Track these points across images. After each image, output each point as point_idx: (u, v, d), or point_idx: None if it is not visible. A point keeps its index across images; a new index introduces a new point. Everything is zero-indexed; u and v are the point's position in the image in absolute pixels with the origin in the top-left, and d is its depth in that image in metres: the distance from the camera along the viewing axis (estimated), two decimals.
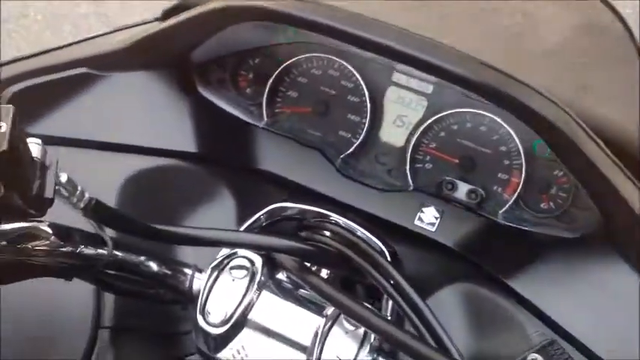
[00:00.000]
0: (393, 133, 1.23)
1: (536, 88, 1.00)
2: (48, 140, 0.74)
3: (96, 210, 0.77)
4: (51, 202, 0.73)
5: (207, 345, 0.96)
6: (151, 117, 1.18)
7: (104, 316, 1.00)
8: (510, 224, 1.13)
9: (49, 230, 0.81)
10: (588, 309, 1.03)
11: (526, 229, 1.13)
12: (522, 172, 1.16)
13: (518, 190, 1.16)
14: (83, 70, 1.17)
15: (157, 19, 1.26)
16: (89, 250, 0.85)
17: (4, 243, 0.76)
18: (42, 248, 0.79)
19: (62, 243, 0.82)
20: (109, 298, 1.01)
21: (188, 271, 0.97)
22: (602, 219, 1.06)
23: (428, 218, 1.11)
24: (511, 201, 1.16)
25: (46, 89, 1.16)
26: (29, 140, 0.71)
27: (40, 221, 0.79)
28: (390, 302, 1.00)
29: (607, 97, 1.24)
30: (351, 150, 1.22)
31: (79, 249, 0.83)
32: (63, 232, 0.82)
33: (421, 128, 1.20)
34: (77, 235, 0.84)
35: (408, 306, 0.94)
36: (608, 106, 1.19)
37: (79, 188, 0.75)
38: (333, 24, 1.01)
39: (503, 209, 1.17)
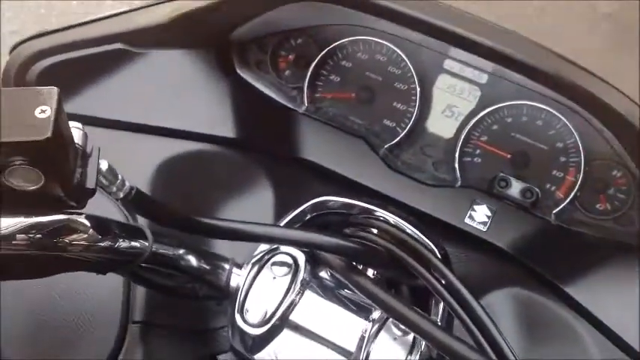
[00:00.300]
0: (442, 123, 1.16)
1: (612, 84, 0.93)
2: (79, 120, 0.69)
3: (136, 200, 0.71)
4: (92, 192, 0.67)
5: (244, 345, 0.90)
6: (187, 98, 1.11)
7: (134, 310, 0.94)
8: (565, 225, 1.07)
9: (87, 223, 0.74)
10: None
11: (582, 231, 1.07)
12: (581, 169, 1.09)
13: (576, 189, 1.09)
14: (118, 45, 1.11)
15: None
16: (128, 244, 0.78)
17: (39, 236, 0.70)
18: (80, 242, 0.73)
19: (100, 237, 0.75)
20: (139, 291, 0.95)
21: (226, 265, 0.91)
22: None
23: (479, 217, 1.05)
24: (567, 201, 1.10)
25: (77, 65, 1.10)
26: (71, 124, 0.65)
27: (79, 213, 0.73)
28: (441, 306, 0.93)
29: None
30: (396, 140, 1.16)
31: (117, 243, 0.77)
32: (101, 225, 0.76)
33: (473, 120, 1.13)
34: (116, 228, 0.78)
35: (463, 310, 0.87)
36: None
37: (120, 177, 0.69)
38: (393, 6, 0.94)
39: (557, 209, 1.10)
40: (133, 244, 0.80)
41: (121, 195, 0.70)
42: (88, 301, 0.94)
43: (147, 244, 0.80)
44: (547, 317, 1.00)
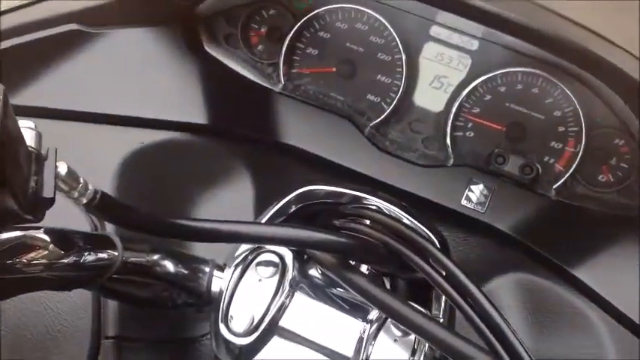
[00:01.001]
0: (431, 96, 1.08)
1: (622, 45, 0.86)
2: (31, 113, 0.59)
3: (101, 205, 0.62)
4: (51, 202, 0.58)
5: (230, 356, 0.81)
6: (151, 82, 1.01)
7: (106, 324, 0.86)
8: (567, 201, 1.00)
9: (47, 238, 0.66)
10: None
11: (585, 206, 1.00)
12: (582, 139, 1.02)
13: (577, 161, 1.02)
14: (72, 26, 1.00)
15: None
16: (95, 257, 0.70)
17: None
18: (40, 261, 0.65)
19: (63, 252, 0.67)
20: (111, 303, 0.87)
21: (206, 268, 0.82)
22: None
23: (476, 197, 0.97)
24: (568, 174, 1.03)
25: (26, 51, 0.99)
26: (22, 124, 0.55)
27: (36, 227, 0.64)
28: (442, 300, 0.86)
29: None
30: (382, 117, 1.07)
31: (83, 257, 0.69)
32: (63, 239, 0.68)
33: (464, 91, 1.05)
34: (80, 240, 0.69)
35: (466, 303, 0.79)
36: None
37: (82, 180, 0.61)
38: None
39: (558, 184, 1.03)
40: (101, 255, 0.71)
41: (85, 201, 0.61)
42: (58, 318, 0.85)
43: (116, 253, 0.72)
44: (554, 302, 0.94)
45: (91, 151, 0.93)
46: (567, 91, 1.02)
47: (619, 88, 0.95)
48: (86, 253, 0.69)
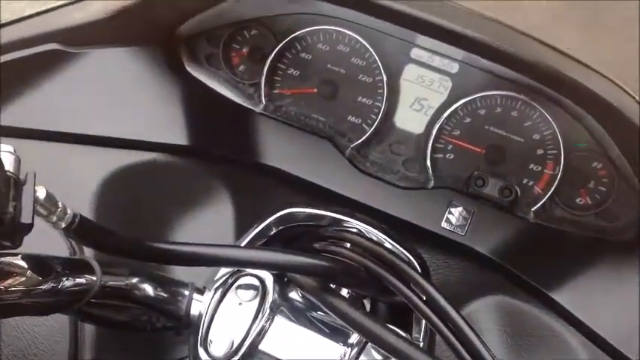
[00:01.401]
0: (411, 118, 1.08)
1: (596, 68, 0.87)
2: (10, 133, 0.58)
3: (80, 229, 0.62)
4: (29, 227, 0.58)
5: None
6: (132, 103, 1.00)
7: (83, 348, 0.85)
8: (545, 224, 1.01)
9: (25, 264, 0.65)
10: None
11: (564, 229, 1.01)
12: (560, 162, 1.03)
13: (555, 184, 1.03)
14: (52, 45, 0.99)
15: None
16: (73, 282, 0.69)
17: None
18: (17, 288, 0.64)
19: (41, 278, 0.66)
20: (88, 327, 0.85)
21: (185, 291, 0.81)
22: None
23: (456, 219, 0.97)
24: (546, 196, 1.03)
25: (7, 70, 0.97)
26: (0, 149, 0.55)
27: (14, 253, 0.63)
28: (423, 323, 0.86)
29: None
30: (363, 138, 1.07)
31: (61, 283, 0.67)
32: (41, 265, 0.67)
33: (445, 114, 1.06)
34: (58, 266, 0.68)
35: (446, 326, 0.79)
36: None
37: (60, 205, 0.60)
38: None
39: (537, 206, 1.03)
40: (79, 280, 0.70)
41: (63, 225, 0.61)
42: (34, 342, 0.84)
43: (94, 278, 0.71)
44: (533, 326, 0.94)
45: (70, 172, 0.92)
46: (546, 114, 1.03)
47: (597, 113, 0.96)
48: (64, 279, 0.68)
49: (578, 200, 1.04)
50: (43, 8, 0.99)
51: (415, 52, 1.07)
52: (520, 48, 0.93)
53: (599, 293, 0.94)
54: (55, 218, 0.60)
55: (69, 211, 0.61)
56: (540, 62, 0.92)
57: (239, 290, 0.81)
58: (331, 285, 0.83)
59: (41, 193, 0.59)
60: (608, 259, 0.96)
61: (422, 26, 0.95)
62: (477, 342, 0.75)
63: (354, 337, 0.82)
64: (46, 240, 0.69)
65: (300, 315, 0.84)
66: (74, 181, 0.91)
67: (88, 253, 0.86)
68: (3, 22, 0.97)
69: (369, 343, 0.80)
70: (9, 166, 0.57)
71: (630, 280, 0.94)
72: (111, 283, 0.75)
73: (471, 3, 0.97)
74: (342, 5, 1.00)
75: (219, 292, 0.81)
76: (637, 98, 0.92)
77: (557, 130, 1.03)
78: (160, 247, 0.70)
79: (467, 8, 0.96)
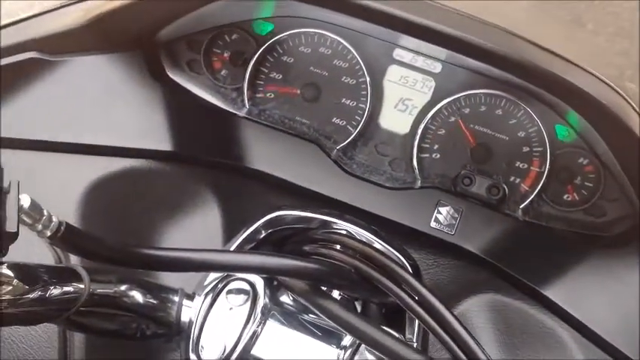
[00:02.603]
0: (396, 118, 1.08)
1: (581, 64, 0.87)
2: None
3: (66, 237, 0.61)
4: (15, 236, 0.57)
5: None
6: (114, 109, 0.99)
7: (73, 357, 0.83)
8: (534, 221, 1.01)
9: (11, 273, 0.63)
10: (630, 317, 0.91)
11: (552, 226, 1.01)
12: (546, 159, 1.03)
13: (542, 181, 1.03)
14: (32, 54, 0.97)
15: None
16: (61, 290, 0.67)
17: None
18: (4, 297, 0.63)
19: (27, 287, 0.64)
20: (77, 336, 0.84)
21: (175, 297, 0.80)
22: None
23: (445, 219, 0.97)
24: (534, 194, 1.03)
25: None
26: None
27: None
28: (416, 323, 0.85)
29: None
30: (348, 140, 1.07)
31: (48, 292, 0.66)
32: (28, 273, 0.66)
33: (430, 113, 1.06)
34: (45, 274, 0.67)
35: (439, 326, 0.78)
36: None
37: (45, 212, 0.59)
38: None
39: (524, 204, 1.03)
40: (67, 288, 0.69)
41: (49, 233, 0.60)
42: (22, 353, 0.82)
43: (82, 286, 0.70)
44: (525, 322, 0.94)
45: (54, 181, 0.90)
46: (530, 111, 1.03)
47: (583, 110, 0.96)
48: (52, 287, 0.67)
49: (565, 197, 1.04)
50: (22, 16, 0.97)
51: (398, 53, 1.07)
52: (503, 45, 0.93)
53: (590, 288, 0.94)
54: (40, 226, 0.59)
55: (54, 219, 0.60)
56: (524, 59, 0.92)
57: (229, 295, 0.80)
58: (322, 287, 0.82)
59: (25, 201, 0.58)
60: (597, 254, 0.96)
61: (403, 26, 0.95)
62: (470, 341, 0.75)
63: (347, 339, 0.81)
64: (31, 249, 0.68)
65: (292, 318, 0.83)
66: (59, 190, 0.89)
67: (74, 261, 0.84)
68: None
69: (363, 345, 0.80)
70: None
71: (620, 274, 0.94)
72: (99, 290, 0.73)
73: (452, 2, 0.97)
74: (322, 6, 0.99)
75: (209, 298, 0.80)
76: (622, 93, 0.93)
77: (542, 127, 1.03)
78: (148, 253, 0.68)
79: (448, 7, 0.96)
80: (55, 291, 0.67)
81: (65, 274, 0.69)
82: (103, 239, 0.66)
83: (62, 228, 0.60)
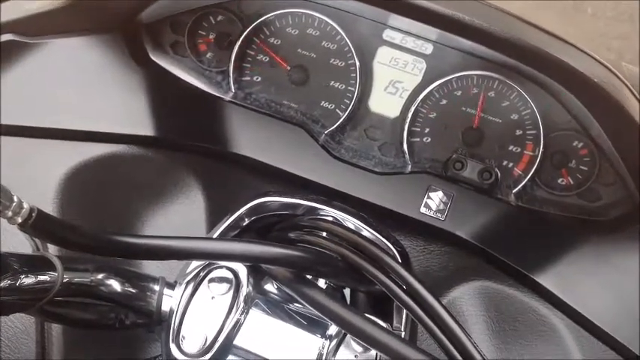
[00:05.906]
0: (386, 102, 1.05)
1: (577, 44, 0.84)
2: None
3: (38, 224, 0.58)
4: None
5: None
6: (95, 94, 0.96)
7: (51, 349, 0.81)
8: (527, 206, 0.98)
9: None
10: (626, 304, 0.89)
11: (545, 210, 0.98)
12: (540, 142, 1.00)
13: (535, 165, 1.00)
14: (8, 36, 0.94)
15: None
16: (34, 279, 0.65)
17: None
18: None
19: None
20: (55, 327, 0.81)
21: (155, 286, 0.77)
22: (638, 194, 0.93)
23: (436, 204, 0.94)
24: (527, 178, 1.01)
25: None
26: None
27: None
28: (404, 313, 0.83)
29: None
30: (337, 124, 1.04)
31: (19, 281, 0.64)
32: None
33: (420, 96, 1.03)
34: (16, 263, 0.65)
35: (427, 315, 0.76)
36: None
37: (15, 199, 0.57)
38: None
39: (517, 188, 1.01)
40: (40, 277, 0.67)
41: (19, 220, 0.57)
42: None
43: (56, 274, 0.67)
44: (517, 309, 0.92)
45: (31, 167, 0.88)
46: (524, 93, 1.00)
47: (578, 91, 0.94)
48: (22, 276, 0.65)
49: (559, 180, 1.02)
50: None
51: (388, 34, 1.04)
52: (495, 23, 0.90)
53: (585, 274, 0.91)
54: (10, 213, 0.57)
55: (25, 205, 0.58)
56: (516, 37, 0.90)
57: (211, 284, 0.78)
58: (308, 276, 0.80)
59: None
60: (591, 240, 0.94)
61: (393, 3, 0.92)
62: (457, 329, 0.73)
63: (333, 329, 0.79)
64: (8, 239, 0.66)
65: (277, 307, 0.81)
66: (37, 177, 0.87)
67: (53, 251, 0.82)
68: None
69: (349, 335, 0.77)
70: None
71: (616, 260, 0.92)
72: (76, 279, 0.71)
73: None
74: None
75: (190, 286, 0.78)
76: (618, 74, 0.90)
77: (535, 110, 1.00)
78: (126, 241, 0.66)
79: None
80: (26, 280, 0.65)
81: (37, 263, 0.67)
82: (77, 226, 0.63)
83: (33, 215, 0.58)
